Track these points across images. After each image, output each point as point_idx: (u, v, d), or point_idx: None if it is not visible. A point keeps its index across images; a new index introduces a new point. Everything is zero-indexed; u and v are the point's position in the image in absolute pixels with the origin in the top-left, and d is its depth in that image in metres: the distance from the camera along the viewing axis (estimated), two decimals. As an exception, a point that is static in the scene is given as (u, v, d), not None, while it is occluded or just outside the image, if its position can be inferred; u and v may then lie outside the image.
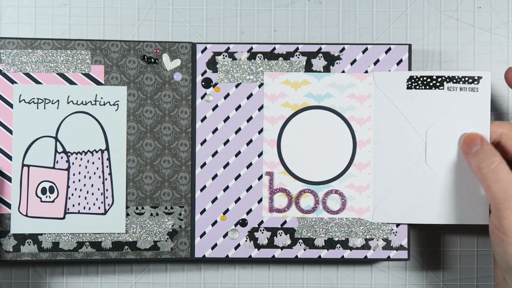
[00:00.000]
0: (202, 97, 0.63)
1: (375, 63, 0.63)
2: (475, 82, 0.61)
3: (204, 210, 0.63)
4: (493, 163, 0.56)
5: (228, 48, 0.63)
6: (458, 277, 0.65)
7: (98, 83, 0.62)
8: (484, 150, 0.57)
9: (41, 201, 0.61)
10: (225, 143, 0.63)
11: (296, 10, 0.66)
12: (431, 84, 0.61)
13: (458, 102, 0.61)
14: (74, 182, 0.61)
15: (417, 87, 0.62)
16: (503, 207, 0.54)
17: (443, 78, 0.61)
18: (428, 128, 0.61)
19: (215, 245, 0.63)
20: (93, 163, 0.61)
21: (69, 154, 0.61)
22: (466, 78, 0.61)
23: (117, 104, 0.62)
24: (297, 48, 0.63)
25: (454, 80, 0.61)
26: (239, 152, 0.63)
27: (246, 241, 0.63)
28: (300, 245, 0.63)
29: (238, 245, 0.63)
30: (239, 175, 0.63)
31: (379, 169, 0.62)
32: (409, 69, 0.63)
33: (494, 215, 0.55)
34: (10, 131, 0.61)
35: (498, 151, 0.58)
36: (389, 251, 0.63)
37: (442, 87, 0.61)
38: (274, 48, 0.63)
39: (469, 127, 0.61)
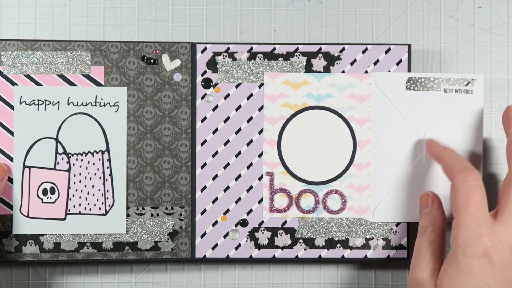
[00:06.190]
0: (202, 98, 0.63)
1: (375, 63, 0.63)
2: (469, 84, 0.62)
3: (204, 210, 0.63)
4: (427, 230, 0.58)
5: (228, 48, 0.63)
6: (457, 276, 0.65)
7: (98, 84, 0.62)
8: (430, 213, 0.59)
9: (42, 202, 0.61)
10: (225, 144, 0.63)
11: (296, 10, 0.66)
12: (428, 85, 0.62)
13: (455, 104, 0.62)
14: (75, 183, 0.62)
15: (416, 88, 0.62)
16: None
17: (440, 80, 0.62)
18: (426, 128, 0.62)
19: (216, 245, 0.63)
20: (93, 164, 0.62)
21: (69, 155, 0.61)
22: (461, 81, 0.62)
23: (117, 105, 0.62)
24: (297, 48, 0.63)
25: (450, 82, 0.62)
26: (239, 153, 0.63)
27: (246, 241, 0.63)
28: (301, 245, 0.63)
29: (239, 245, 0.63)
30: (239, 176, 0.63)
31: (379, 169, 0.63)
32: (409, 69, 0.63)
33: None
34: (11, 133, 0.61)
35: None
36: (389, 251, 0.63)
37: (439, 89, 0.62)
38: (274, 48, 0.63)
39: (464, 128, 0.62)
